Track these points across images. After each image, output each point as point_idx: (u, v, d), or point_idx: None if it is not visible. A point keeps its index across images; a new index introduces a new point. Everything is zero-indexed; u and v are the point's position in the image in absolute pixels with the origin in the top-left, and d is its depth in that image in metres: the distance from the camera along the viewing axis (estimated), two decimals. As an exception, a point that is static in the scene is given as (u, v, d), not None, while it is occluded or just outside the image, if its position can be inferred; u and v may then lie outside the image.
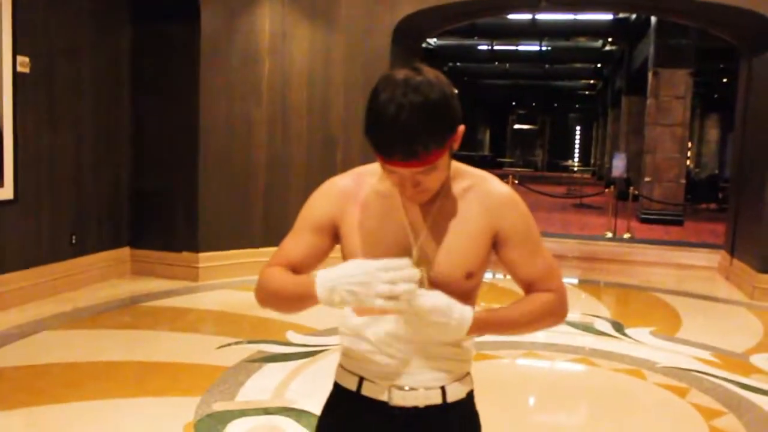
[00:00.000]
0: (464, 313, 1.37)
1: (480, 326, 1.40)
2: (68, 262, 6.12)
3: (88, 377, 4.09)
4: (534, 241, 1.51)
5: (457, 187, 1.47)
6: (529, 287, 1.51)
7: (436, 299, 1.34)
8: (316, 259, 1.51)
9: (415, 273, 1.26)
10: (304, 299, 1.35)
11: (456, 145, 1.38)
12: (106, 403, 3.73)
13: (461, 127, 1.37)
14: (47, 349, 4.62)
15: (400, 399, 1.45)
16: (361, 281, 1.26)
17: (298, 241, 1.52)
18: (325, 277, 1.31)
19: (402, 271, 1.25)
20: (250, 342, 4.83)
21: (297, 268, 1.49)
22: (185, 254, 6.73)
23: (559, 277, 1.54)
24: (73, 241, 6.18)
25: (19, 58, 5.46)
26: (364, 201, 1.48)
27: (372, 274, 1.26)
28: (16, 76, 5.44)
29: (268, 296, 1.48)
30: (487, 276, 1.50)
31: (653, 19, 13.30)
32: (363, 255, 1.43)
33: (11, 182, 5.45)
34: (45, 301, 5.69)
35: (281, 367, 4.37)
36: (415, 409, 1.45)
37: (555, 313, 1.51)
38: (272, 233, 7.08)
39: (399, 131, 1.26)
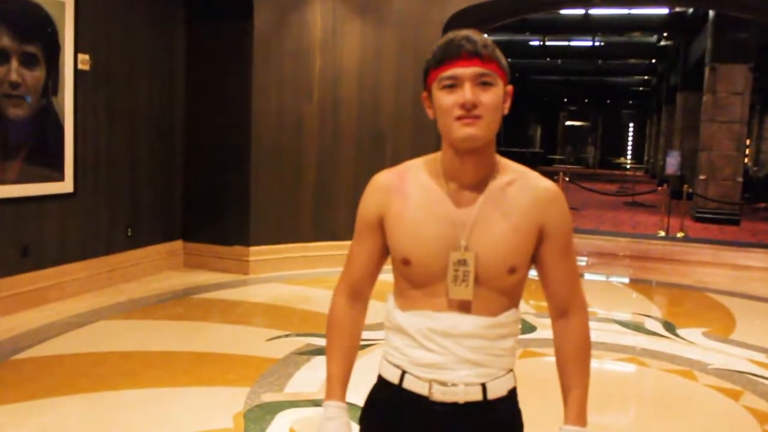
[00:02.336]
0: None
1: (584, 414, 1.52)
2: (123, 254, 6.30)
3: (142, 366, 4.21)
4: (570, 242, 1.52)
5: (501, 181, 1.48)
6: (555, 293, 1.54)
7: None
8: (382, 257, 1.57)
9: None
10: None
11: (507, 104, 1.46)
12: (158, 391, 3.84)
13: (511, 87, 1.46)
14: (104, 338, 4.77)
15: (440, 394, 1.44)
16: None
17: (360, 245, 1.58)
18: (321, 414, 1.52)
19: None
20: (299, 335, 4.90)
21: (369, 272, 1.59)
22: (236, 248, 6.85)
23: (581, 288, 1.57)
24: (129, 234, 6.36)
25: (80, 56, 5.63)
26: (408, 194, 1.49)
27: None
28: (77, 73, 5.61)
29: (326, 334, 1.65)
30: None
31: (711, 12, 12.96)
32: (407, 247, 1.45)
33: (71, 176, 5.63)
34: (101, 292, 5.87)
35: (329, 360, 4.41)
36: (455, 405, 1.44)
37: (589, 347, 1.59)
38: (321, 228, 7.16)
39: (465, 36, 1.39)
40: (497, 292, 1.45)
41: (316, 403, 3.73)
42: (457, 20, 7.29)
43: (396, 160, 1.61)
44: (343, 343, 1.59)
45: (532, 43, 21.31)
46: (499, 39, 19.68)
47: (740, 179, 12.88)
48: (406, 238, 1.47)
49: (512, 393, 1.52)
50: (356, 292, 1.60)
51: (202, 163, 6.99)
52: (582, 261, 8.76)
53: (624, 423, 3.99)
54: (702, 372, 4.52)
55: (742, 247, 9.74)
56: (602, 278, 8.03)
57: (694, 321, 5.84)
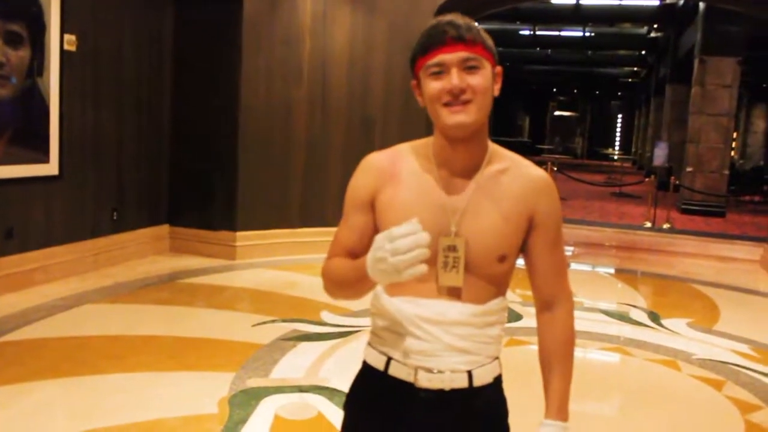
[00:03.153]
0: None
1: (566, 408, 1.51)
2: (109, 237, 6.26)
3: (127, 350, 4.19)
4: (559, 232, 1.52)
5: (493, 168, 1.47)
6: (541, 283, 1.52)
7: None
8: (371, 238, 1.48)
9: (425, 237, 1.20)
10: (363, 281, 1.33)
11: (497, 86, 1.44)
12: (143, 376, 3.82)
13: (500, 68, 1.45)
14: (89, 322, 4.74)
15: (426, 381, 1.44)
16: (377, 256, 1.24)
17: (348, 226, 1.53)
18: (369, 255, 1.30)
19: (409, 237, 1.20)
20: (285, 321, 4.89)
21: (356, 253, 1.50)
22: (223, 233, 6.83)
23: (568, 279, 1.56)
24: (115, 217, 6.32)
25: (67, 37, 5.57)
26: (400, 178, 1.48)
27: (381, 246, 1.23)
28: (64, 54, 5.55)
29: (333, 288, 1.50)
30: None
31: (701, 4, 12.97)
32: None
33: (56, 158, 5.57)
34: (87, 275, 5.84)
35: (315, 346, 4.42)
36: (441, 391, 1.44)
37: (573, 340, 1.58)
38: (310, 213, 7.15)
39: (449, 22, 1.38)
40: (486, 280, 1.45)
41: (302, 389, 3.73)
42: (448, 8, 7.25)
43: (385, 146, 1.59)
44: (342, 261, 1.49)
45: (522, 32, 21.28)
46: (489, 28, 19.59)
47: (727, 172, 12.95)
48: (396, 223, 1.42)
49: (497, 380, 1.52)
50: None
51: (190, 148, 6.94)
52: (569, 251, 8.79)
53: (608, 412, 4.02)
54: (686, 362, 4.55)
55: (727, 239, 9.80)
56: (588, 268, 8.07)
57: (679, 311, 5.88)
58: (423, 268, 1.22)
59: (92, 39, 5.86)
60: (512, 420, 1.56)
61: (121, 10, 6.19)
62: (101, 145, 6.09)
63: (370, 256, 1.27)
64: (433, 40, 1.38)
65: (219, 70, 6.75)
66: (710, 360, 4.61)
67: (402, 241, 1.20)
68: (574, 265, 8.04)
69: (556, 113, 40.31)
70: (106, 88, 6.10)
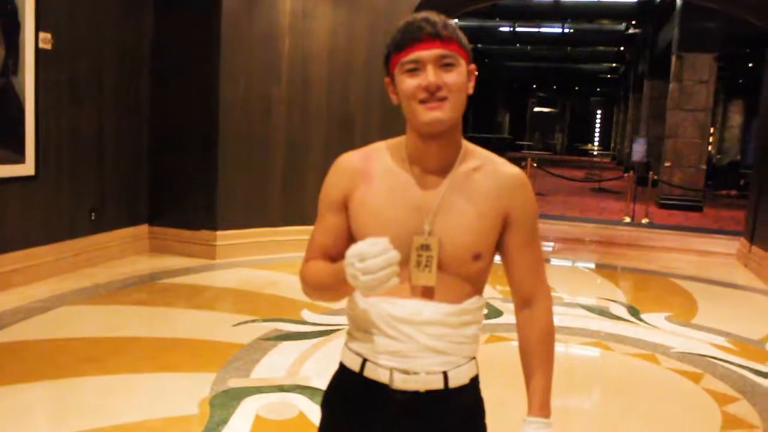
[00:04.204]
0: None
1: (548, 405, 1.50)
2: (88, 238, 6.20)
3: (107, 352, 4.16)
4: (535, 229, 1.51)
5: (467, 166, 1.46)
6: (519, 281, 1.52)
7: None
8: (346, 239, 1.50)
9: (395, 255, 1.23)
10: (342, 285, 1.33)
11: (472, 83, 1.43)
12: (123, 378, 3.79)
13: (474, 66, 1.44)
14: (68, 324, 4.69)
15: (402, 382, 1.42)
16: (349, 272, 1.26)
17: (323, 227, 1.52)
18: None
19: (379, 258, 1.22)
20: (265, 320, 4.87)
21: (331, 254, 1.50)
22: (203, 232, 6.79)
23: (545, 276, 1.56)
24: (93, 218, 6.25)
25: (42, 35, 5.50)
26: (373, 177, 1.47)
27: (352, 263, 1.24)
28: (39, 52, 5.48)
29: (312, 291, 1.51)
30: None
31: (679, 1, 13.10)
32: (371, 232, 1.39)
33: (32, 158, 5.50)
34: (66, 276, 5.78)
35: (296, 345, 4.41)
36: (417, 393, 1.43)
37: (553, 337, 1.56)
38: (290, 212, 7.12)
39: (425, 18, 1.38)
40: (461, 278, 1.44)
41: (283, 389, 3.72)
42: (428, 5, 7.25)
43: (365, 143, 1.59)
44: (320, 264, 1.49)
45: (502, 29, 21.38)
46: (469, 25, 19.70)
47: (704, 167, 13.11)
48: (369, 223, 1.44)
49: (474, 381, 1.50)
50: None
51: (169, 146, 6.89)
52: (549, 246, 8.85)
53: (589, 406, 4.06)
54: (665, 355, 4.60)
55: (705, 233, 9.93)
56: (568, 263, 8.12)
57: (658, 305, 5.94)
58: (395, 281, 1.24)
59: (69, 37, 5.79)
60: (495, 417, 1.57)
61: (98, 7, 6.12)
62: (79, 144, 6.03)
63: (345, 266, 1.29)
64: (409, 37, 1.37)
65: (198, 68, 6.70)
66: (688, 353, 4.67)
67: (373, 261, 1.22)
68: (554, 261, 8.10)
69: (536, 109, 40.55)
70: (83, 86, 6.03)
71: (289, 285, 5.71)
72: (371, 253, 1.22)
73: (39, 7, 5.42)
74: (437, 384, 1.43)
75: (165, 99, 6.86)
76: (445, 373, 1.44)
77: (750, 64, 20.06)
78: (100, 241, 6.34)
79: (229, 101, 6.69)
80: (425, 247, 1.41)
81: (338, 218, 1.50)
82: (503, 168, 1.49)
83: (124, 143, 6.62)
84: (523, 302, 1.54)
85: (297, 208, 7.10)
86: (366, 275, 1.22)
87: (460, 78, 1.39)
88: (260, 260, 6.76)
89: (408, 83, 1.38)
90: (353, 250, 1.25)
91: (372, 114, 7.31)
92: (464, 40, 1.41)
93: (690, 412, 3.81)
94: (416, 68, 1.37)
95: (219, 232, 6.77)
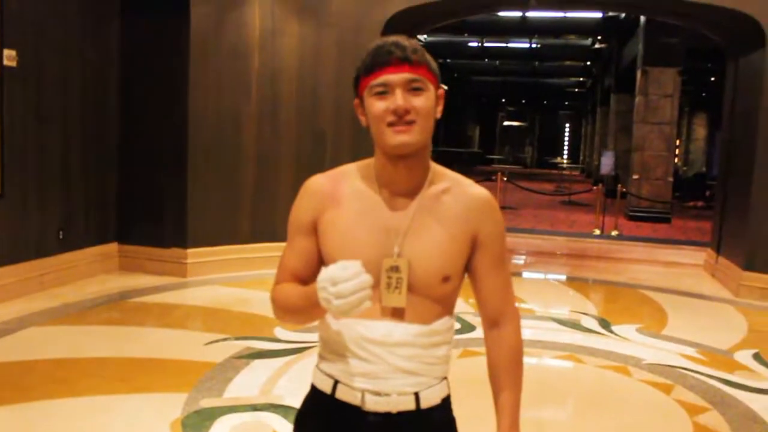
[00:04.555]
0: None
1: (517, 423, 1.50)
2: (56, 257, 6.10)
3: (75, 373, 4.08)
4: (503, 250, 1.52)
5: (436, 189, 1.47)
6: (487, 301, 1.52)
7: None
8: (316, 262, 1.50)
9: (368, 279, 1.23)
10: (314, 308, 1.33)
11: (440, 108, 1.45)
12: (93, 400, 3.73)
13: (443, 90, 1.45)
14: (35, 345, 4.60)
15: (373, 404, 1.42)
16: (322, 296, 1.25)
17: (293, 250, 1.52)
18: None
19: (351, 282, 1.22)
20: (237, 338, 4.83)
21: (302, 277, 1.50)
22: (173, 250, 6.72)
23: (513, 296, 1.57)
24: (61, 237, 6.16)
25: (6, 52, 5.42)
26: (341, 200, 1.47)
27: (324, 287, 1.24)
28: (3, 69, 5.40)
29: (284, 314, 1.50)
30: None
31: (642, 18, 13.35)
32: (341, 254, 1.40)
33: (-2, 177, 5.42)
34: (32, 297, 5.67)
35: (269, 363, 4.37)
36: (388, 414, 1.42)
37: (521, 356, 1.55)
38: (260, 229, 7.09)
39: (394, 42, 1.40)
40: (431, 300, 1.44)
41: (256, 408, 3.68)
42: (397, 21, 7.31)
43: (336, 160, 1.60)
44: (290, 288, 1.48)
45: (470, 44, 21.60)
46: (438, 40, 19.87)
47: (671, 179, 13.34)
48: (339, 246, 1.44)
49: (446, 401, 1.50)
50: None
51: (138, 164, 6.82)
52: (520, 260, 8.91)
53: (561, 418, 4.07)
54: (636, 367, 4.64)
55: (672, 244, 10.07)
56: (540, 276, 8.18)
57: (628, 317, 6.00)
58: (368, 304, 1.24)
59: (34, 54, 5.72)
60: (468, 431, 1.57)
61: (64, 23, 6.06)
62: (45, 162, 5.94)
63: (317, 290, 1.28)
64: (378, 60, 1.38)
65: (167, 84, 6.66)
66: (659, 364, 4.72)
67: (344, 285, 1.22)
68: (526, 274, 8.15)
69: (506, 123, 40.91)
70: (49, 103, 5.96)
71: (261, 302, 5.66)
72: (343, 277, 1.22)
73: (3, 23, 5.36)
74: (409, 405, 1.43)
75: (133, 116, 6.80)
76: (416, 394, 1.44)
77: (712, 78, 20.50)
78: (68, 259, 6.24)
79: (198, 117, 6.66)
80: (395, 269, 1.41)
81: (308, 241, 1.50)
82: (471, 190, 1.50)
83: (92, 161, 6.54)
84: (492, 322, 1.54)
85: (268, 225, 7.06)
86: (339, 299, 1.22)
87: (428, 102, 1.40)
88: (231, 278, 6.70)
89: (377, 106, 1.39)
90: (325, 275, 1.25)
91: (342, 130, 7.32)
92: (433, 64, 1.43)
93: (661, 423, 3.85)
94: (385, 91, 1.38)
95: (189, 250, 6.70)
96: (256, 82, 7.02)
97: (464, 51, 22.57)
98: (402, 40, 1.40)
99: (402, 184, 1.45)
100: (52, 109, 6.00)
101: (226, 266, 6.85)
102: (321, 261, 1.50)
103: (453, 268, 1.45)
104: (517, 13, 16.49)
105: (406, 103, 1.37)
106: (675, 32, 12.54)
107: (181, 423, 3.45)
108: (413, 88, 1.38)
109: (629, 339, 5.30)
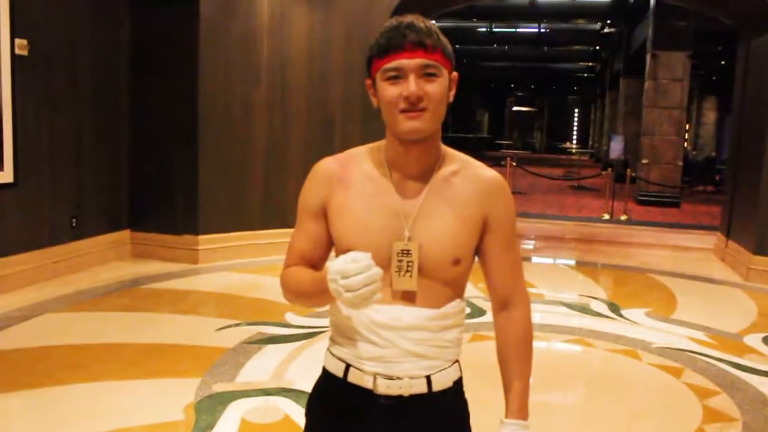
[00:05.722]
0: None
1: (526, 407, 1.50)
2: (69, 245, 6.16)
3: (89, 359, 4.14)
4: (513, 232, 1.52)
5: (446, 171, 1.47)
6: (497, 284, 1.52)
7: None
8: (326, 245, 1.51)
9: (378, 272, 1.23)
10: (324, 294, 1.31)
11: (453, 91, 1.44)
12: (107, 385, 3.78)
13: (456, 74, 1.44)
14: (49, 332, 4.66)
15: (385, 388, 1.42)
16: (332, 288, 1.26)
17: (302, 234, 1.52)
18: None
19: (362, 275, 1.22)
20: (249, 324, 4.87)
21: (311, 260, 1.50)
22: (185, 237, 6.76)
23: (523, 279, 1.56)
24: (74, 224, 6.21)
25: (18, 41, 5.45)
26: (351, 183, 1.47)
27: (335, 279, 1.24)
28: (15, 59, 5.43)
29: (294, 298, 1.50)
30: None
31: (652, 1, 13.26)
32: (351, 238, 1.41)
33: (11, 166, 5.46)
34: (46, 284, 5.73)
35: (280, 348, 4.42)
36: (400, 398, 1.43)
37: (531, 339, 1.55)
38: (271, 215, 7.12)
39: (409, 25, 1.36)
40: (441, 283, 1.44)
41: (268, 392, 3.72)
42: (406, 7, 7.29)
43: (345, 145, 1.60)
44: (300, 272, 1.48)
45: (479, 29, 21.49)
46: (446, 25, 19.77)
47: (680, 163, 13.28)
48: (349, 229, 1.44)
49: (458, 384, 1.51)
50: None
51: (149, 151, 6.85)
52: (529, 245, 8.92)
53: (570, 402, 4.10)
54: (645, 351, 4.66)
55: (682, 228, 10.06)
56: (549, 261, 8.19)
57: (638, 301, 6.01)
58: (378, 297, 1.24)
59: (45, 42, 5.75)
60: (478, 416, 1.58)
61: (74, 11, 6.08)
62: (58, 150, 5.99)
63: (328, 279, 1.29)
64: (392, 44, 1.35)
65: (177, 72, 6.68)
66: (669, 348, 4.73)
67: (355, 278, 1.22)
68: (535, 259, 8.16)
69: (515, 108, 40.74)
70: (61, 92, 5.99)
71: (272, 288, 5.70)
72: (353, 270, 1.22)
73: (14, 13, 5.38)
74: (421, 388, 1.44)
75: (144, 103, 6.83)
76: (428, 377, 1.44)
77: (722, 62, 20.34)
78: (81, 247, 6.30)
79: (208, 104, 6.68)
80: (405, 253, 1.41)
81: (317, 224, 1.50)
82: (482, 172, 1.49)
83: (104, 149, 6.58)
84: (501, 305, 1.54)
85: (278, 211, 7.10)
86: (349, 292, 1.22)
87: (442, 89, 1.38)
88: (243, 263, 6.75)
89: (389, 91, 1.37)
90: (335, 266, 1.25)
91: (352, 116, 7.33)
92: (448, 47, 1.40)
93: (671, 407, 3.87)
94: (398, 76, 1.36)
95: (201, 237, 6.75)
96: (265, 69, 7.03)
97: (473, 36, 22.47)
98: (417, 21, 1.37)
99: (413, 168, 1.45)
100: (64, 97, 6.03)
101: (238, 252, 6.90)
102: (330, 244, 1.50)
103: (463, 250, 1.45)
104: (526, -2, 16.41)
105: (419, 89, 1.35)
106: (685, 15, 12.45)
107: (194, 407, 3.50)
108: (427, 74, 1.36)
109: (639, 323, 5.31)
